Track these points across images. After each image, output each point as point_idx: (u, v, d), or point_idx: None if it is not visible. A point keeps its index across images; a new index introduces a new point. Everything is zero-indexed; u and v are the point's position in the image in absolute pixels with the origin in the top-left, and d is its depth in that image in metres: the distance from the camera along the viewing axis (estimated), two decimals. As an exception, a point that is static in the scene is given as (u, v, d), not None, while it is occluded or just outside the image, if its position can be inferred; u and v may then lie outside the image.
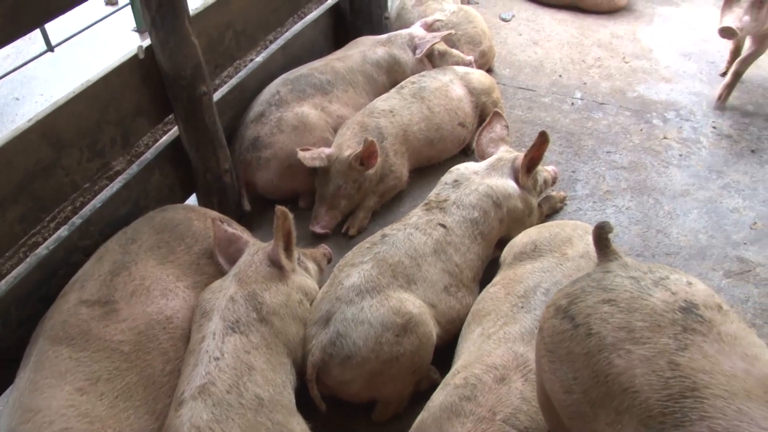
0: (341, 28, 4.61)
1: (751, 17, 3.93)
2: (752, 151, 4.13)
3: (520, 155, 3.13)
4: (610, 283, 1.68)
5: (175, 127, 3.22)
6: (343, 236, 3.38)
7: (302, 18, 4.65)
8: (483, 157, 3.27)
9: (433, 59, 4.19)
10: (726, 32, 4.02)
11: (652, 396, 1.44)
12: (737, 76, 4.48)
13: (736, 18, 3.94)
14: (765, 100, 4.74)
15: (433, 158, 3.78)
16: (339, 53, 4.12)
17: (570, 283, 1.80)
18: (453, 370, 2.31)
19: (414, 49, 4.16)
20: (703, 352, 1.46)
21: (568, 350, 1.65)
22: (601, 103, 4.52)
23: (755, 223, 3.54)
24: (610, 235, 1.88)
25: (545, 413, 1.90)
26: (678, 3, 6.20)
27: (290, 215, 2.62)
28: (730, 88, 4.50)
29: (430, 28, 4.35)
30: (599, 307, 1.63)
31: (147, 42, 2.93)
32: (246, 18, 3.59)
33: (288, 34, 4.19)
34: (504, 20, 5.64)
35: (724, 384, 1.40)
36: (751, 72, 5.00)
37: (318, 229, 3.33)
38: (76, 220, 2.79)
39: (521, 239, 2.74)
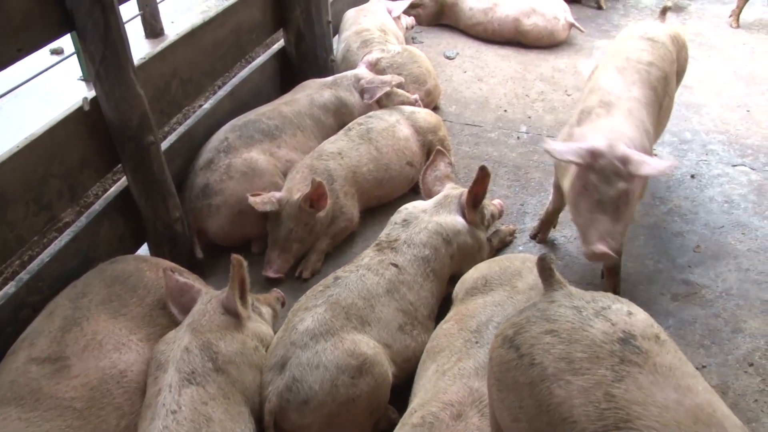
0: (288, 72, 4.67)
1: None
2: (692, 177, 4.29)
3: (466, 191, 3.19)
4: (554, 313, 1.72)
5: (124, 177, 3.21)
6: (296, 279, 3.39)
7: (249, 63, 4.69)
8: (429, 196, 3.33)
9: (379, 99, 4.26)
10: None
11: (588, 427, 1.47)
12: None
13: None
14: (701, 126, 4.93)
15: (383, 198, 3.83)
16: (286, 97, 4.17)
17: (517, 313, 1.84)
18: (410, 408, 2.32)
19: (361, 91, 4.23)
20: (638, 384, 1.50)
21: (514, 379, 1.68)
22: (547, 136, 4.64)
23: (698, 246, 3.66)
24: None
25: None
26: (615, 36, 6.40)
27: (245, 262, 2.62)
28: None
29: (374, 67, 4.43)
30: (542, 338, 1.66)
31: (93, 93, 2.93)
32: (192, 66, 3.62)
33: (235, 80, 4.24)
34: (448, 58, 5.77)
35: (656, 416, 1.44)
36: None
37: (271, 274, 3.33)
38: (24, 275, 2.75)
39: (472, 275, 2.79)
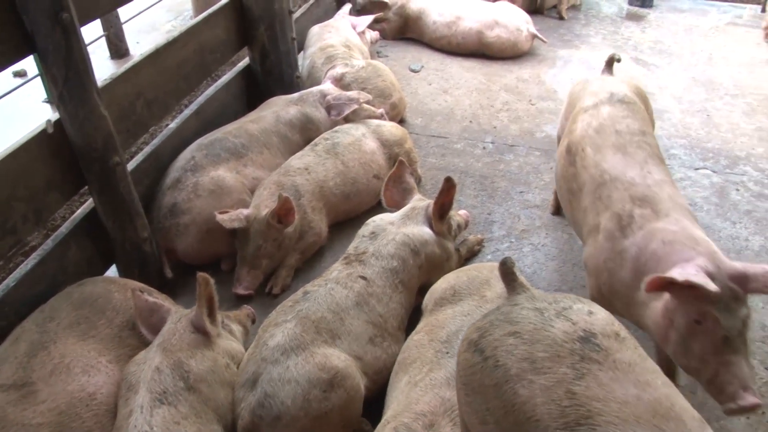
0: (254, 90, 4.69)
1: None
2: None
3: (432, 202, 3.22)
4: (516, 315, 1.75)
5: (91, 199, 3.19)
6: (267, 296, 3.39)
7: (215, 81, 4.70)
8: (393, 208, 3.35)
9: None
10: None
11: (551, 424, 1.51)
12: None
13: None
14: (663, 131, 5.02)
15: (351, 212, 3.85)
16: (252, 115, 4.18)
17: (481, 317, 1.88)
18: (383, 420, 2.33)
19: (328, 108, 4.26)
20: (598, 381, 1.54)
21: (480, 382, 1.71)
22: (512, 146, 4.70)
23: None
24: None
25: None
26: (578, 45, 6.55)
27: (212, 281, 2.62)
28: None
29: (339, 82, 4.46)
30: (505, 340, 1.70)
31: (57, 115, 2.92)
32: (156, 86, 3.62)
33: (201, 99, 4.24)
34: (413, 71, 5.82)
35: (616, 411, 1.48)
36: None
37: (241, 291, 3.33)
38: (-10, 301, 2.72)
39: (440, 285, 2.81)
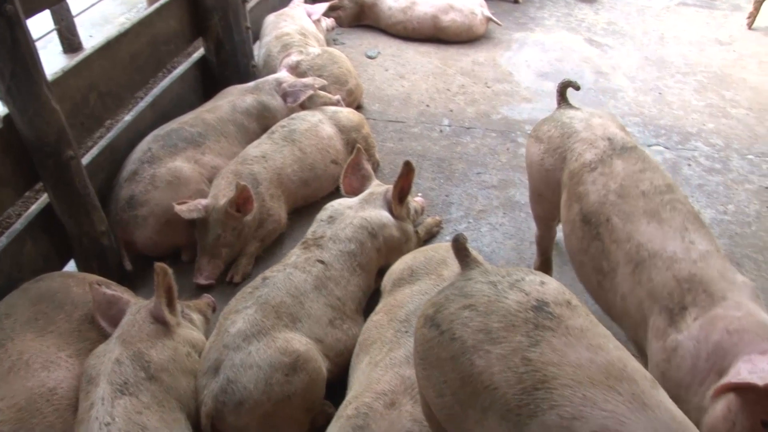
0: (210, 80, 4.66)
1: None
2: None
3: (391, 187, 3.27)
4: (471, 289, 1.79)
5: (46, 195, 3.16)
6: (228, 284, 3.39)
7: (170, 73, 4.66)
8: (352, 195, 3.38)
9: (302, 102, 4.28)
10: None
11: (508, 391, 1.55)
12: None
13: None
14: (617, 110, 5.11)
15: (310, 198, 3.86)
16: (208, 105, 4.17)
17: (436, 293, 1.91)
18: (345, 401, 2.36)
19: (284, 95, 4.26)
20: (552, 347, 1.59)
21: (437, 356, 1.74)
22: (468, 128, 4.75)
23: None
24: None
25: (428, 420, 1.99)
26: (532, 28, 6.62)
27: (169, 270, 2.62)
28: None
29: (295, 70, 4.46)
30: (461, 313, 1.73)
31: (6, 110, 2.88)
32: (109, 78, 3.58)
33: (156, 91, 4.21)
34: (370, 57, 5.83)
35: (571, 374, 1.52)
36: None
37: (202, 281, 3.33)
38: (-56, 301, 2.69)
39: (398, 266, 2.85)
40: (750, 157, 4.65)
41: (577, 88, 3.12)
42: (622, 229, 2.44)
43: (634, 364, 1.63)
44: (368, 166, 3.53)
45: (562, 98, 3.11)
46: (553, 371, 1.53)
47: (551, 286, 1.79)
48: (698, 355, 2.09)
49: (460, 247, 1.98)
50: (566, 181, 2.75)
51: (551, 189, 2.89)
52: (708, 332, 2.09)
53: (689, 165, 4.50)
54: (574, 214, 2.65)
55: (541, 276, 1.84)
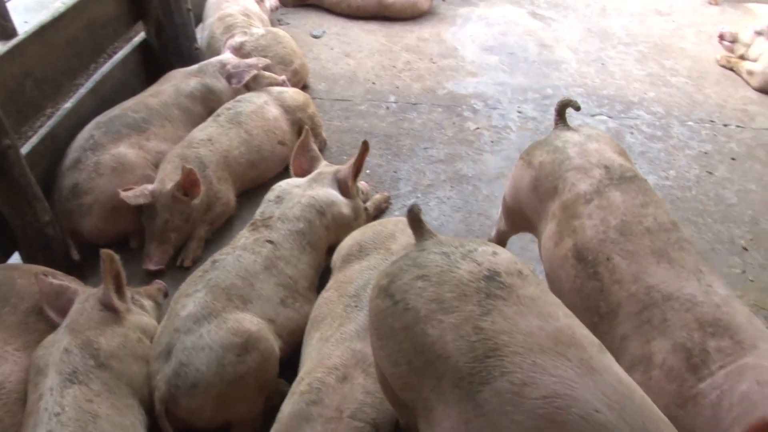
0: (152, 65, 4.58)
1: None
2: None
3: (341, 167, 3.30)
4: (424, 260, 1.81)
5: (-17, 187, 3.09)
6: (178, 269, 3.36)
7: (111, 58, 4.57)
8: (301, 176, 3.37)
9: (247, 83, 4.25)
10: None
11: (460, 359, 1.57)
12: None
13: None
14: (561, 82, 5.19)
15: (258, 179, 3.84)
16: (152, 89, 4.10)
17: (390, 264, 1.93)
18: (298, 378, 2.38)
19: (228, 77, 4.21)
20: (503, 315, 1.62)
21: (391, 326, 1.76)
22: (415, 104, 4.78)
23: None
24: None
25: (384, 391, 2.02)
26: (476, 3, 6.65)
27: (116, 257, 2.59)
28: None
29: (239, 52, 4.42)
30: (414, 283, 1.75)
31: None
32: (45, 64, 3.49)
33: (97, 76, 4.11)
34: (315, 37, 5.80)
35: (521, 342, 1.55)
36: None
37: (151, 266, 3.30)
38: None
39: (347, 242, 2.87)
40: (690, 123, 4.77)
41: (578, 108, 2.87)
42: (626, 270, 2.22)
43: (582, 331, 1.67)
44: (315, 147, 3.53)
45: (560, 118, 2.85)
46: (504, 339, 1.56)
47: (503, 257, 1.82)
48: (720, 405, 1.88)
49: (414, 218, 2.00)
50: (557, 212, 2.52)
51: (539, 216, 2.66)
52: (735, 382, 1.88)
53: (632, 133, 4.60)
54: (566, 249, 2.40)
55: (493, 247, 1.87)
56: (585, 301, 2.30)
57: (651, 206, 2.38)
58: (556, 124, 2.86)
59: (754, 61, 5.39)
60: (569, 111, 2.84)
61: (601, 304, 2.24)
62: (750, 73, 5.36)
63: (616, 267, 2.24)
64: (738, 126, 4.78)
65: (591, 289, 2.29)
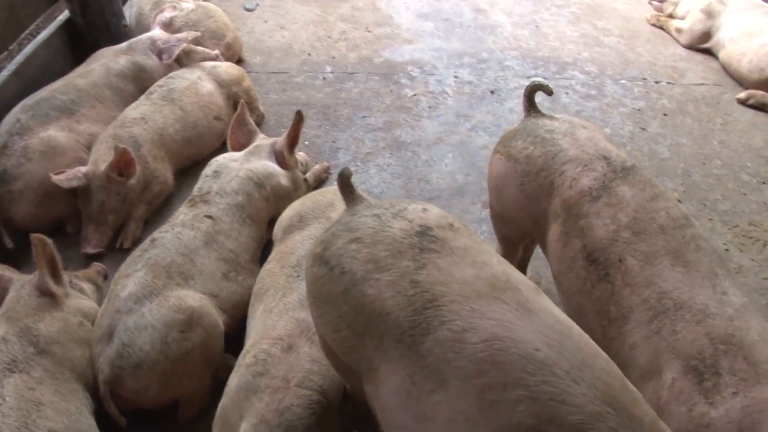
0: (79, 44, 4.44)
1: None
2: (491, 92, 4.57)
3: (277, 139, 3.28)
4: (356, 223, 1.82)
5: None
6: (118, 250, 3.29)
7: (34, 38, 4.41)
8: (238, 150, 3.34)
9: (179, 60, 4.16)
10: None
11: (400, 314, 1.59)
12: None
13: None
14: (496, 45, 5.22)
15: (195, 156, 3.77)
16: (80, 69, 3.98)
17: (323, 232, 1.94)
18: (243, 350, 2.37)
19: (159, 53, 4.12)
20: (438, 267, 1.64)
21: (329, 292, 1.77)
22: (351, 73, 4.75)
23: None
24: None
25: (329, 358, 2.03)
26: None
27: (49, 241, 2.53)
28: None
29: (169, 27, 4.32)
30: (348, 247, 1.76)
31: None
32: (-39, 47, 3.37)
33: (20, 58, 3.97)
34: (248, 10, 5.70)
35: (458, 290, 1.58)
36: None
37: (90, 250, 3.23)
38: None
39: (287, 213, 2.86)
40: (623, 81, 4.87)
41: (550, 92, 2.64)
42: (639, 273, 2.07)
43: (517, 275, 1.70)
44: (252, 121, 3.49)
45: (530, 104, 2.63)
46: (441, 289, 1.58)
47: (433, 212, 1.84)
48: None
49: (344, 182, 2.00)
50: (560, 211, 2.32)
51: (531, 218, 2.47)
52: (754, 421, 1.73)
53: (567, 93, 4.67)
54: (575, 251, 2.23)
55: (423, 204, 1.89)
56: (594, 304, 2.16)
57: (661, 199, 2.22)
58: (527, 111, 2.64)
59: (682, 19, 5.52)
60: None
61: (611, 309, 2.10)
62: (678, 30, 5.48)
63: (628, 269, 2.09)
64: (669, 82, 4.89)
65: (601, 292, 2.14)
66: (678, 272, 2.02)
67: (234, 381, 2.22)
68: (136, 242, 3.32)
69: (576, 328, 1.61)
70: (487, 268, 1.66)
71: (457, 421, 1.46)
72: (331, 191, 2.89)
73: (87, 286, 2.81)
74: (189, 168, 3.74)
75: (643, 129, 4.31)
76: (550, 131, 2.47)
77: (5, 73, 3.81)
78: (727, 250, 3.33)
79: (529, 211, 2.46)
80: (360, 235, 1.77)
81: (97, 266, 2.99)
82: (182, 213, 2.91)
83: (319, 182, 3.61)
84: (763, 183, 3.86)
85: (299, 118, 3.23)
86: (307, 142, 3.96)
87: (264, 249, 3.04)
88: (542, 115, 2.60)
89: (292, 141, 3.26)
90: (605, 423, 1.37)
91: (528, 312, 1.55)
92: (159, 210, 3.53)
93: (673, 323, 1.95)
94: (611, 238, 2.16)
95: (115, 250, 3.30)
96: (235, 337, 2.65)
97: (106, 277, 2.97)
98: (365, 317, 1.67)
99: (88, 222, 3.30)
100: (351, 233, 1.80)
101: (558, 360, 1.44)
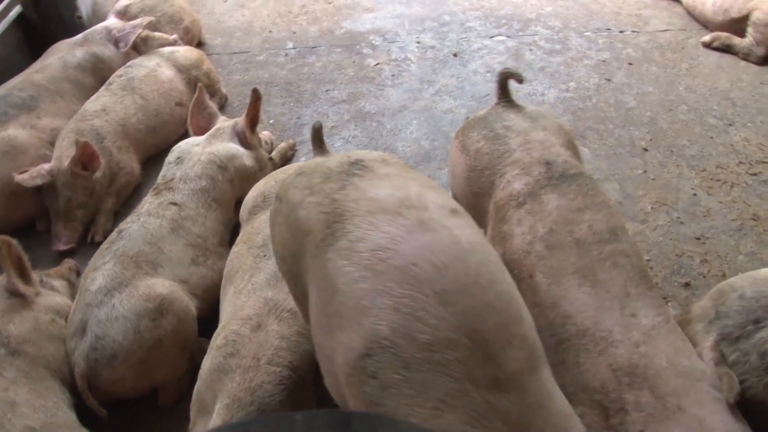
0: (34, 39, 4.38)
1: None
2: (454, 55, 4.55)
3: (238, 120, 3.27)
4: (308, 163, 1.94)
5: None
6: (91, 245, 3.28)
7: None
8: (200, 134, 3.32)
9: (137, 47, 4.12)
10: None
11: (318, 230, 1.66)
12: None
13: None
14: (457, 7, 5.19)
15: (161, 144, 3.75)
16: (37, 65, 3.93)
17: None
18: (215, 333, 2.38)
19: (115, 42, 4.08)
20: (356, 187, 1.70)
21: (277, 222, 1.89)
22: (313, 47, 4.72)
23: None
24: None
25: (297, 303, 2.07)
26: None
27: (14, 242, 2.53)
28: None
29: (124, 15, 4.27)
30: (295, 181, 1.87)
31: None
32: None
33: (-27, 57, 3.94)
34: (207, -9, 5.64)
35: (365, 206, 1.63)
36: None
37: (61, 246, 3.22)
38: None
39: (252, 194, 2.85)
40: (587, 34, 4.85)
41: (521, 81, 2.49)
42: (546, 292, 1.95)
43: (435, 197, 1.69)
44: (212, 104, 3.47)
45: (502, 92, 2.52)
46: (351, 205, 1.65)
47: (375, 153, 1.93)
48: None
49: (316, 133, 2.18)
50: (492, 213, 2.24)
51: (476, 212, 2.29)
52: None
53: (531, 50, 4.65)
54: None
55: (375, 153, 1.95)
56: None
57: (589, 211, 2.08)
58: (499, 98, 2.54)
59: (644, -36, 5.47)
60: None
61: None
62: (641, -23, 5.44)
63: (537, 287, 1.98)
64: (633, 31, 4.88)
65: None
66: (584, 293, 1.91)
67: (206, 363, 2.24)
68: (107, 236, 3.30)
69: (480, 257, 1.55)
70: (403, 189, 1.69)
71: (344, 327, 1.51)
72: (294, 168, 2.88)
73: (59, 284, 2.81)
74: (156, 156, 3.72)
75: (609, 80, 4.31)
76: (507, 127, 2.38)
77: (-41, 74, 3.76)
78: (695, 194, 3.35)
79: (474, 205, 2.37)
80: (305, 169, 1.89)
81: (68, 263, 2.99)
82: (147, 202, 2.91)
83: (285, 160, 3.60)
84: (730, 125, 3.87)
85: (256, 96, 3.21)
86: (272, 121, 3.95)
87: (233, 231, 3.04)
88: (511, 105, 2.50)
89: (252, 120, 3.25)
90: (454, 352, 1.38)
91: (425, 230, 1.56)
92: (128, 201, 3.52)
93: (576, 354, 1.85)
94: (526, 249, 2.07)
95: (87, 245, 3.30)
96: (209, 320, 2.67)
97: (79, 273, 2.97)
98: (299, 239, 1.75)
99: (56, 219, 3.29)
100: (300, 171, 1.90)
101: (432, 279, 1.46)
